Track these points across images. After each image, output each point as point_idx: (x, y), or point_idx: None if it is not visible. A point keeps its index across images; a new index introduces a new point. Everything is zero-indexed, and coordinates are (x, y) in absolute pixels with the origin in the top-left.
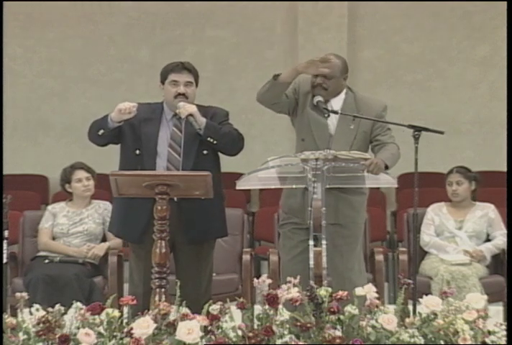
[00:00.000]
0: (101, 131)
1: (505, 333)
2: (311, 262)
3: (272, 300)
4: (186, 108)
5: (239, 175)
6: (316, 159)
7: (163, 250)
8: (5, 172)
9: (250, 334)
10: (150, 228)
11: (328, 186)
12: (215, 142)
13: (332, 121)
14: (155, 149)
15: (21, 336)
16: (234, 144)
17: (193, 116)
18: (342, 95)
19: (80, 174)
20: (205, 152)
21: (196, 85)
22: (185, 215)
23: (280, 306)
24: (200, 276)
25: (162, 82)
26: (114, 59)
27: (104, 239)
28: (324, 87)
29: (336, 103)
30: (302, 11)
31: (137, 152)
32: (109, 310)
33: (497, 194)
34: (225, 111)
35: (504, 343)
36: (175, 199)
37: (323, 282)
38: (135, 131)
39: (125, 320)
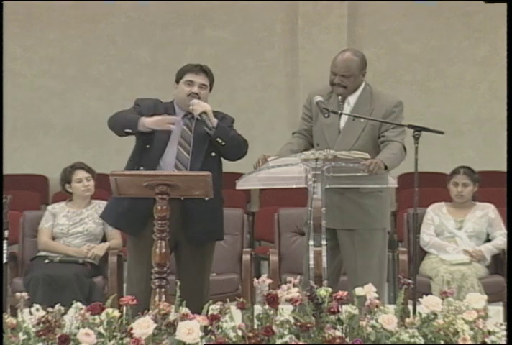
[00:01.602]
0: (128, 130)
1: (505, 333)
2: (311, 262)
3: (272, 300)
4: (201, 105)
5: (239, 175)
6: (316, 159)
7: (163, 250)
8: (5, 172)
9: (250, 334)
10: (150, 221)
11: (328, 186)
12: (223, 143)
13: (344, 118)
14: (164, 146)
15: (21, 336)
16: (240, 148)
17: (207, 114)
18: (358, 92)
19: (81, 174)
20: (213, 154)
21: (210, 90)
22: (191, 214)
23: (281, 306)
24: (202, 276)
25: (177, 81)
26: (114, 59)
27: (104, 239)
28: (343, 85)
29: (353, 98)
30: (302, 11)
31: (147, 146)
32: (109, 310)
33: (497, 194)
34: (232, 118)
35: (504, 343)
36: (182, 198)
37: (323, 282)
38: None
39: (125, 321)
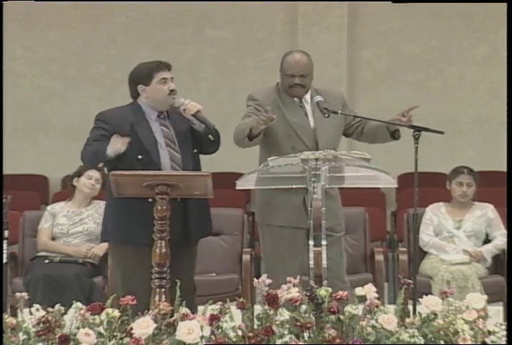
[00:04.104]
0: (102, 164)
1: (505, 333)
2: (311, 262)
3: (272, 300)
4: (193, 105)
5: (239, 175)
6: (316, 159)
7: (163, 250)
8: (5, 172)
9: (250, 334)
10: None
11: (328, 186)
12: (212, 139)
13: (313, 116)
14: (157, 151)
15: (21, 336)
16: (219, 142)
17: (201, 113)
18: (309, 91)
19: (94, 173)
20: (195, 150)
21: None
22: (190, 213)
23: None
24: (192, 272)
25: (146, 83)
26: (114, 59)
27: None
28: (303, 85)
29: (308, 96)
30: (302, 11)
31: (139, 157)
32: (109, 310)
33: (497, 194)
34: None
35: (504, 343)
36: (178, 199)
37: (323, 282)
38: (131, 137)
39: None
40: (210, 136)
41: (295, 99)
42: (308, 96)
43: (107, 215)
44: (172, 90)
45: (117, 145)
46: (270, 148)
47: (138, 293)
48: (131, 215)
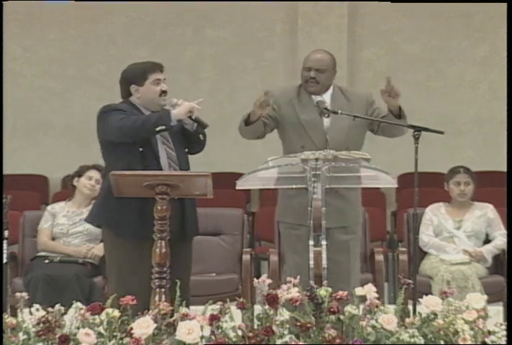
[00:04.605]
0: (160, 127)
1: (505, 333)
2: (311, 262)
3: (272, 300)
4: (187, 104)
5: (239, 175)
6: (316, 159)
7: (163, 250)
8: (5, 172)
9: (250, 334)
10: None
11: (328, 186)
12: (202, 138)
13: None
14: (157, 146)
15: (21, 336)
16: (206, 142)
17: (193, 113)
18: (330, 90)
19: (94, 173)
20: (186, 150)
21: None
22: (186, 211)
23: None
24: (189, 272)
25: (139, 83)
26: (114, 59)
27: None
28: (317, 80)
29: (327, 96)
30: (302, 11)
31: (140, 149)
32: (109, 310)
33: (497, 194)
34: None
35: (504, 343)
36: (175, 197)
37: (323, 282)
38: None
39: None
40: (200, 136)
41: (311, 97)
42: (327, 95)
43: (101, 198)
44: (163, 91)
45: (190, 105)
46: (285, 146)
47: (122, 273)
48: (124, 205)
